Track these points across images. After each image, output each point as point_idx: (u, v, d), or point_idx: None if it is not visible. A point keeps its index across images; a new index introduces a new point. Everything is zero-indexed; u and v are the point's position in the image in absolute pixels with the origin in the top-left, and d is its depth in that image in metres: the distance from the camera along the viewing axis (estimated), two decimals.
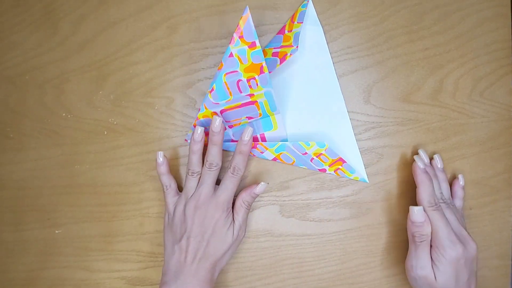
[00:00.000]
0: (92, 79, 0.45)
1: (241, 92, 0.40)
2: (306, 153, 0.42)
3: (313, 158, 0.42)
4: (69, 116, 0.45)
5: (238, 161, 0.40)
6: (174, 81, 0.44)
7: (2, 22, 0.45)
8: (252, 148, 0.42)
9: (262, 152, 0.43)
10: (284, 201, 0.45)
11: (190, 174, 0.40)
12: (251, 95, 0.40)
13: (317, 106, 0.44)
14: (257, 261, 0.45)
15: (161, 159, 0.41)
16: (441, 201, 0.40)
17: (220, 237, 0.39)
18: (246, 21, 0.36)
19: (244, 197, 0.41)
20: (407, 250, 0.45)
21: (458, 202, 0.43)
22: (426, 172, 0.40)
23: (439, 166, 0.43)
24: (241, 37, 0.37)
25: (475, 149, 0.45)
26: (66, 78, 0.45)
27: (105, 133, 0.45)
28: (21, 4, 0.45)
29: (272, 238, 0.45)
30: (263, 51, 0.42)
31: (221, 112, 0.41)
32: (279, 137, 0.43)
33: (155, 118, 0.44)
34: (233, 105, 0.41)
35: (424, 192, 0.39)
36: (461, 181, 0.43)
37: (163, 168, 0.41)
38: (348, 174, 0.44)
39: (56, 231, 0.46)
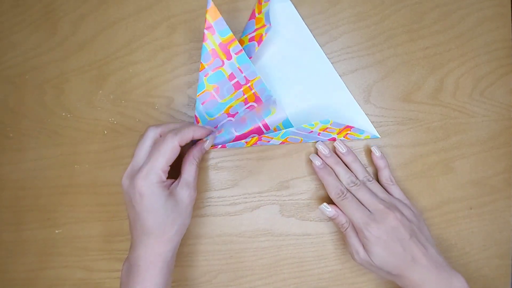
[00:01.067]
0: (92, 79, 0.45)
1: (236, 89, 0.41)
2: (312, 131, 0.41)
3: (320, 133, 0.42)
4: (69, 116, 0.45)
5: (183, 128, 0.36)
6: (174, 81, 0.44)
7: (2, 22, 0.45)
8: (258, 141, 0.42)
9: (268, 142, 0.43)
10: (284, 201, 0.45)
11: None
12: (243, 89, 0.41)
13: (307, 78, 0.44)
14: (257, 261, 0.45)
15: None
16: (352, 184, 0.40)
17: (155, 211, 0.34)
18: (218, 18, 0.36)
19: (194, 153, 0.37)
20: None
21: (385, 173, 0.42)
22: (324, 166, 0.41)
23: (342, 151, 0.42)
24: (213, 33, 0.37)
25: (476, 149, 0.44)
26: (66, 78, 0.45)
27: (105, 132, 0.45)
28: (20, 4, 0.45)
29: (272, 238, 0.45)
30: (240, 40, 0.42)
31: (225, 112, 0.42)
32: (280, 118, 0.43)
33: (155, 118, 0.44)
34: (232, 103, 0.42)
35: (328, 186, 0.41)
36: (376, 152, 0.42)
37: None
38: (358, 136, 0.44)
39: (56, 231, 0.46)
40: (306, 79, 0.44)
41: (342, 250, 0.45)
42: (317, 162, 0.42)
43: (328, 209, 0.40)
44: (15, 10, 0.45)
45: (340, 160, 0.42)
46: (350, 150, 0.43)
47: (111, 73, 0.44)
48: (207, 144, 0.39)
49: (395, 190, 0.42)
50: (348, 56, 0.44)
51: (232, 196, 0.45)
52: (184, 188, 0.36)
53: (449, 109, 0.44)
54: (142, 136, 0.36)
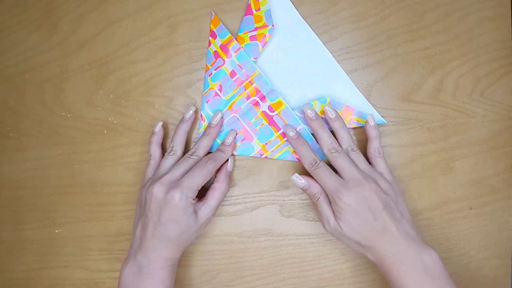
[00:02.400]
0: (92, 78, 0.45)
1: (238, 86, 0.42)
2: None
3: (323, 117, 0.42)
4: (69, 115, 0.45)
5: (218, 155, 0.40)
6: (174, 80, 0.44)
7: (1, 21, 0.45)
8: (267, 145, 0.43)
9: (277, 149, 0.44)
10: (284, 201, 0.45)
11: (169, 152, 0.41)
12: (245, 85, 0.42)
13: (308, 70, 0.44)
14: (257, 261, 0.45)
15: (157, 129, 0.43)
16: (333, 150, 0.39)
17: (180, 223, 0.38)
18: (219, 24, 0.42)
19: (222, 178, 0.41)
20: None
21: (375, 143, 0.41)
22: (298, 137, 0.40)
23: (331, 117, 0.41)
24: (215, 37, 0.42)
25: (476, 149, 0.44)
26: (66, 78, 0.45)
27: (105, 132, 0.45)
28: (20, 4, 0.45)
29: (272, 238, 0.45)
30: (238, 37, 0.43)
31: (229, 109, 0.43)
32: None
33: (155, 117, 0.44)
34: (235, 99, 0.43)
35: (301, 157, 0.39)
36: (370, 121, 0.41)
37: (157, 138, 0.42)
38: (362, 122, 0.43)
39: (56, 231, 0.45)
40: (307, 71, 0.44)
41: (342, 250, 0.45)
42: (291, 132, 0.40)
43: (300, 180, 0.39)
44: (15, 10, 0.45)
45: (324, 125, 0.40)
46: (339, 116, 0.41)
47: (111, 72, 0.44)
48: (229, 165, 0.42)
49: (380, 163, 0.41)
50: (348, 56, 0.44)
51: (232, 196, 0.45)
52: (207, 210, 0.39)
53: (449, 109, 0.44)
54: (186, 156, 0.40)
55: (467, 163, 0.45)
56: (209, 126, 0.42)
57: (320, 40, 0.43)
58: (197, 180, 0.38)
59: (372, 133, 0.41)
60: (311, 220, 0.45)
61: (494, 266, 0.45)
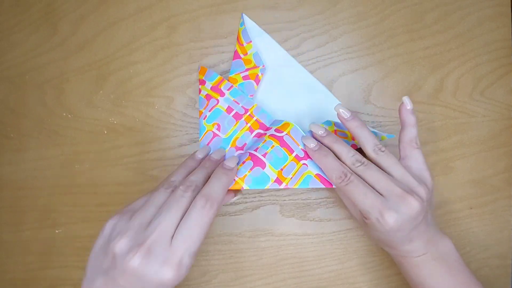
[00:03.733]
0: (92, 79, 0.45)
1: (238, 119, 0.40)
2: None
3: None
4: (69, 116, 0.45)
5: (213, 187, 0.31)
6: (174, 81, 0.44)
7: (1, 22, 0.45)
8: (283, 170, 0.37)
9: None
10: (284, 201, 0.45)
11: (167, 186, 0.32)
12: (245, 118, 0.40)
13: (306, 103, 0.44)
14: (257, 261, 0.45)
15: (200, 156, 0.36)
16: (358, 164, 0.33)
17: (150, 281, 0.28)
18: (206, 71, 0.42)
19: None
20: None
21: (411, 132, 0.35)
22: (320, 148, 0.35)
23: (346, 117, 0.35)
24: (204, 83, 0.41)
25: (476, 148, 0.44)
26: (66, 78, 0.45)
27: (105, 132, 0.45)
28: (21, 4, 0.45)
29: (272, 238, 0.45)
30: (230, 78, 0.42)
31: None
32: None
33: (155, 118, 0.44)
34: (237, 135, 0.40)
35: (327, 170, 0.34)
36: (407, 105, 0.35)
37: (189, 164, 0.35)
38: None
39: (56, 231, 0.46)
40: (303, 103, 0.44)
41: (342, 250, 0.45)
42: (311, 144, 0.35)
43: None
44: (15, 10, 0.45)
45: (339, 138, 0.35)
46: (354, 115, 0.35)
47: (111, 73, 0.44)
48: (236, 198, 0.36)
49: (417, 156, 0.35)
50: (348, 56, 0.44)
51: None
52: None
53: (449, 109, 0.44)
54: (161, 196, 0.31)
55: (467, 163, 0.45)
56: (208, 159, 0.35)
57: (308, 72, 0.44)
58: (195, 234, 0.29)
59: (408, 119, 0.35)
60: (311, 220, 0.45)
61: (494, 266, 0.45)
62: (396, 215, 0.31)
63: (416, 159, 0.35)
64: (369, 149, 0.34)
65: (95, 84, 0.45)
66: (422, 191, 0.33)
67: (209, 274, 0.45)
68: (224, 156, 0.37)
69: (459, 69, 0.44)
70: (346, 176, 0.33)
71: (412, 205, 0.31)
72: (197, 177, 0.32)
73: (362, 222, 0.35)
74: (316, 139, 0.36)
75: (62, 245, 0.45)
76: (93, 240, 0.45)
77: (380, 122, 0.44)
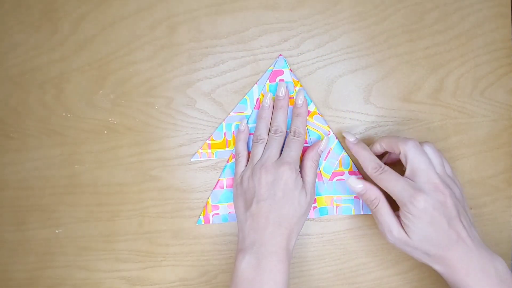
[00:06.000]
0: (92, 79, 0.45)
1: None
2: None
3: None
4: (69, 115, 0.45)
5: (297, 124, 0.41)
6: (174, 81, 0.44)
7: (2, 22, 0.45)
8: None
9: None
10: None
11: (256, 140, 0.41)
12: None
13: None
14: None
15: (243, 127, 0.42)
16: (377, 167, 0.38)
17: (293, 199, 0.37)
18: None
19: (312, 156, 0.40)
20: None
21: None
22: (359, 142, 0.40)
23: (351, 140, 0.40)
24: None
25: (476, 149, 0.44)
26: (67, 78, 0.45)
27: (105, 132, 0.45)
28: (21, 5, 0.45)
29: None
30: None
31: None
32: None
33: (155, 118, 0.45)
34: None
35: (363, 162, 0.38)
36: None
37: (243, 135, 0.42)
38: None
39: (57, 231, 0.46)
40: None
41: (342, 250, 0.45)
42: (351, 138, 0.40)
43: (358, 185, 0.38)
44: (15, 10, 0.45)
45: (367, 147, 0.40)
46: (359, 140, 0.40)
47: (111, 72, 0.45)
48: (323, 145, 0.41)
49: (446, 166, 0.38)
50: (348, 56, 0.44)
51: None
52: (309, 186, 0.39)
53: (449, 109, 0.44)
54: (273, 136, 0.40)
55: (467, 163, 0.45)
56: (277, 99, 0.41)
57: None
58: (295, 153, 0.39)
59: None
60: (311, 220, 0.45)
61: None
62: (426, 196, 0.34)
63: (446, 168, 0.38)
64: (370, 169, 0.38)
65: (95, 83, 0.45)
66: (454, 187, 0.36)
67: (209, 274, 0.45)
68: (287, 87, 0.42)
69: (459, 69, 0.44)
70: (381, 167, 0.37)
71: (441, 191, 0.34)
72: (278, 121, 0.41)
73: (400, 236, 0.36)
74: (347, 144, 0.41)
75: (63, 245, 0.46)
76: (93, 240, 0.45)
77: (380, 122, 0.44)
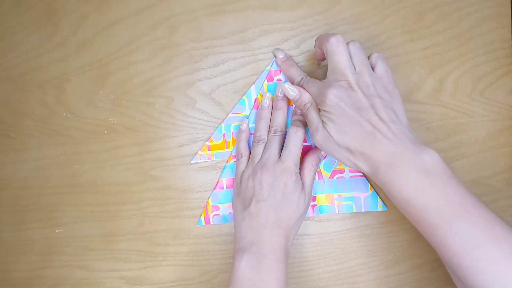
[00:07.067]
0: (93, 79, 0.45)
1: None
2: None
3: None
4: (69, 115, 0.45)
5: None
6: (174, 81, 0.44)
7: (2, 22, 0.45)
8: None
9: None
10: None
11: (256, 141, 0.41)
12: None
13: None
14: None
15: (244, 127, 0.43)
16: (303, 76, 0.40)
17: (292, 201, 0.38)
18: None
19: (313, 160, 0.41)
20: (407, 250, 0.45)
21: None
22: (288, 58, 0.42)
23: (281, 57, 0.42)
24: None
25: (475, 149, 0.44)
26: (67, 78, 0.45)
27: (106, 132, 0.45)
28: (21, 4, 0.45)
29: None
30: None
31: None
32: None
33: (155, 118, 0.45)
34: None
35: (290, 76, 0.41)
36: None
37: (244, 135, 0.43)
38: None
39: (57, 231, 0.46)
40: None
41: (342, 250, 0.45)
42: (280, 55, 0.42)
43: (293, 90, 0.38)
44: (16, 10, 0.45)
45: (295, 63, 0.42)
46: (289, 56, 0.43)
47: (112, 73, 0.45)
48: (323, 152, 0.41)
49: (381, 64, 0.37)
50: None
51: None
52: (307, 189, 0.40)
53: (449, 109, 0.44)
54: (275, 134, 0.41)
55: (467, 163, 0.45)
56: (276, 100, 0.42)
57: None
58: (294, 152, 0.39)
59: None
60: (311, 220, 0.45)
61: None
62: (334, 90, 0.35)
63: (380, 67, 0.38)
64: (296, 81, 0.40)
65: (95, 84, 0.45)
66: (371, 78, 0.35)
67: (209, 274, 0.45)
68: (286, 87, 0.40)
69: (459, 70, 0.44)
70: (306, 76, 0.40)
71: (348, 78, 0.35)
72: (278, 121, 0.41)
73: (322, 134, 0.36)
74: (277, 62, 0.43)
75: (64, 245, 0.46)
76: (93, 240, 0.45)
77: None
